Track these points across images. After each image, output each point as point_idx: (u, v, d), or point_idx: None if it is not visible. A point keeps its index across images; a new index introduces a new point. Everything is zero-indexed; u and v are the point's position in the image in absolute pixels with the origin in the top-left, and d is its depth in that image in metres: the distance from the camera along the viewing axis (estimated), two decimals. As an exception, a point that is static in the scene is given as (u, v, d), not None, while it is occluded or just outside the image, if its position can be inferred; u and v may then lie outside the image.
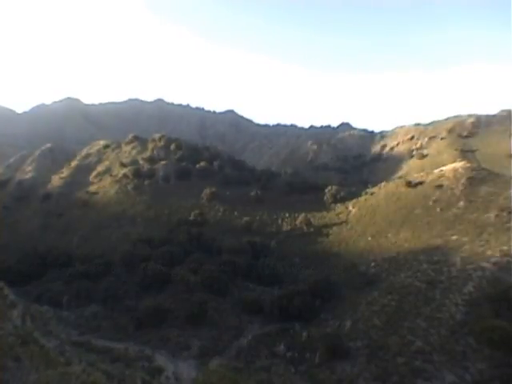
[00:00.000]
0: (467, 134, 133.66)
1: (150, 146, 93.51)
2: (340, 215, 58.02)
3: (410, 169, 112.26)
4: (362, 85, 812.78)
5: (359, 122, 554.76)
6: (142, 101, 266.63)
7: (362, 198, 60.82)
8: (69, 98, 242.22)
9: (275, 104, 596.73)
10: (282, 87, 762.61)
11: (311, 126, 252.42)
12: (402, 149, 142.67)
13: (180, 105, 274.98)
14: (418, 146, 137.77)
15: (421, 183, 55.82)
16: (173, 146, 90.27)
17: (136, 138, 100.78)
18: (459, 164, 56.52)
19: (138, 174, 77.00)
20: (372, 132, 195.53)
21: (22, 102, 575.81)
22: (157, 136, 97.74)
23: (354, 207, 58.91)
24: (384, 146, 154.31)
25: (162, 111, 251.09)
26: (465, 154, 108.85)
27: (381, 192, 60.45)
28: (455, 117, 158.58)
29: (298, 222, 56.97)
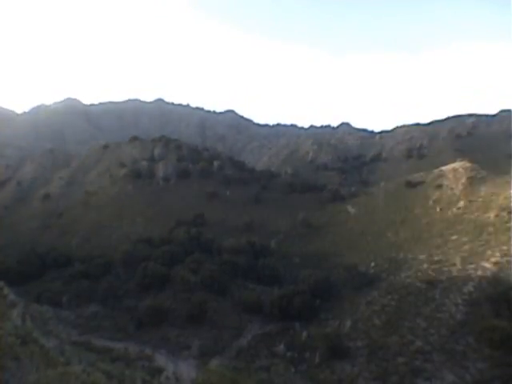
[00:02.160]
0: (467, 134, 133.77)
1: (150, 146, 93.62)
2: (340, 215, 58.05)
3: (410, 169, 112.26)
4: (359, 70, 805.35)
5: (359, 122, 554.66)
6: (141, 101, 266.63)
7: (361, 198, 60.86)
8: (69, 98, 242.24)
9: (275, 104, 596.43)
10: (281, 87, 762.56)
11: (311, 126, 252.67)
12: (401, 149, 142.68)
13: (180, 105, 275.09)
14: (418, 146, 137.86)
15: (421, 183, 55.87)
16: (173, 146, 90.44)
17: (136, 138, 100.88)
18: (459, 164, 56.54)
19: (137, 173, 77.07)
20: (372, 132, 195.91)
21: (21, 102, 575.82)
22: (157, 136, 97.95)
23: (353, 207, 58.93)
24: (384, 146, 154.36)
25: (162, 111, 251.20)
26: (465, 154, 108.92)
27: (381, 192, 60.50)
28: (455, 117, 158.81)
29: (297, 221, 57.00)
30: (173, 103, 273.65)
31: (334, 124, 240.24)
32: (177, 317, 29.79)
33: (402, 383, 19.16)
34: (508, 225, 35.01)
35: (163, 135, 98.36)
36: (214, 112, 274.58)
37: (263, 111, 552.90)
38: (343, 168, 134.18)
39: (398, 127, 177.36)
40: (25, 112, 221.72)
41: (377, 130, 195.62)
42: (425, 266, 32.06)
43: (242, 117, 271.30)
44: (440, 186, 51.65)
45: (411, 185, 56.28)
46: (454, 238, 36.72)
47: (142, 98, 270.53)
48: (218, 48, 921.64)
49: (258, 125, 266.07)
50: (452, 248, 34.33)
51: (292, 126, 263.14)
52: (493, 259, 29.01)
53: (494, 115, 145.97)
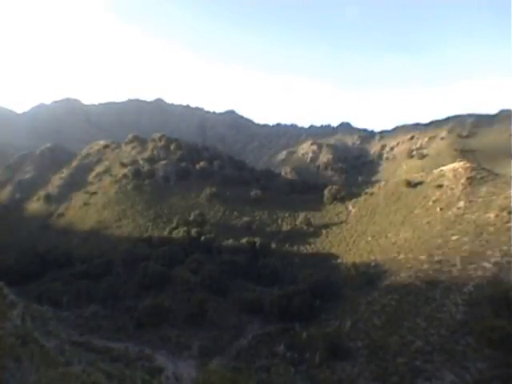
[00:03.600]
0: (467, 134, 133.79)
1: (150, 146, 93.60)
2: (340, 215, 58.05)
3: (410, 169, 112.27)
4: (362, 96, 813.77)
5: (359, 122, 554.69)
6: (142, 101, 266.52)
7: (361, 198, 60.85)
8: (68, 98, 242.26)
9: (275, 104, 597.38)
10: (282, 87, 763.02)
11: (311, 126, 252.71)
12: (402, 149, 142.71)
13: (180, 105, 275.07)
14: (418, 146, 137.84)
15: (421, 183, 55.85)
16: (173, 146, 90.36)
17: (136, 138, 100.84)
18: (459, 164, 56.49)
19: (137, 174, 77.05)
20: (372, 132, 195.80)
21: (21, 102, 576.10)
22: (157, 136, 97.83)
23: (353, 207, 58.92)
24: (384, 146, 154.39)
25: (162, 111, 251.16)
26: (465, 153, 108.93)
27: (381, 192, 60.48)
28: (455, 117, 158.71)
29: (297, 221, 57.01)
30: (173, 103, 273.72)
31: (334, 124, 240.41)
32: (177, 317, 29.77)
33: (402, 383, 19.16)
34: (508, 225, 35.01)
35: (163, 135, 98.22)
36: (214, 112, 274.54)
37: (263, 111, 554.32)
38: (343, 168, 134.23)
39: (398, 127, 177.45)
40: (25, 112, 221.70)
41: (377, 129, 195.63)
42: (425, 266, 32.04)
43: (242, 117, 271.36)
44: (440, 186, 51.63)
45: (411, 185, 56.27)
46: (454, 238, 36.69)
47: (142, 98, 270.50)
48: (219, 48, 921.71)
49: (258, 125, 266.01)
50: (452, 248, 34.31)
51: (292, 125, 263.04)
52: (493, 259, 29.01)
53: (494, 115, 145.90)
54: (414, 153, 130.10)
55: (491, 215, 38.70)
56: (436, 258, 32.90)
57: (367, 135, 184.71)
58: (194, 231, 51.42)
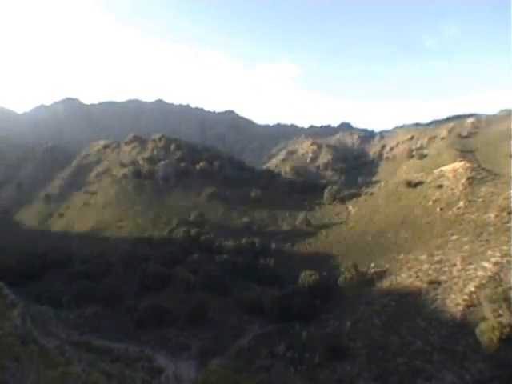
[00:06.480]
0: (467, 134, 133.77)
1: (150, 145, 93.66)
2: (340, 215, 58.05)
3: (410, 169, 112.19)
4: (359, 70, 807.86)
5: (359, 122, 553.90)
6: (142, 101, 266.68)
7: (361, 198, 60.86)
8: (68, 98, 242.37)
9: (275, 104, 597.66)
10: (281, 87, 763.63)
11: (311, 126, 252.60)
12: (402, 149, 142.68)
13: (180, 105, 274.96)
14: (418, 146, 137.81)
15: (421, 183, 55.85)
16: (173, 146, 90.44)
17: (136, 138, 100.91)
18: (459, 164, 56.50)
19: (137, 173, 77.09)
20: (372, 132, 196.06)
21: (21, 102, 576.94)
22: (157, 136, 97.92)
23: (353, 207, 58.92)
24: (384, 146, 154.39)
25: (161, 111, 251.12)
26: (465, 154, 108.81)
27: (381, 192, 60.49)
28: (455, 117, 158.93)
29: (297, 222, 57.01)
30: (173, 103, 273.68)
31: (334, 124, 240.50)
32: (177, 317, 29.78)
33: (402, 383, 19.16)
34: (508, 225, 35.00)
35: (163, 135, 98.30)
36: (214, 112, 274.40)
37: (263, 112, 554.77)
38: (343, 168, 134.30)
39: (397, 127, 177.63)
40: (25, 112, 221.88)
41: (377, 130, 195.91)
42: (425, 266, 32.05)
43: (241, 117, 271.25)
44: (440, 186, 51.63)
45: (411, 185, 56.27)
46: (454, 238, 36.69)
47: (142, 98, 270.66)
48: (217, 49, 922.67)
49: (258, 125, 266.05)
50: (452, 248, 34.31)
51: (292, 126, 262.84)
52: (493, 259, 28.98)
53: (494, 115, 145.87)
54: (414, 153, 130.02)
55: (491, 215, 38.69)
56: (436, 258, 32.91)
57: (367, 135, 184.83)
58: (193, 231, 51.46)
